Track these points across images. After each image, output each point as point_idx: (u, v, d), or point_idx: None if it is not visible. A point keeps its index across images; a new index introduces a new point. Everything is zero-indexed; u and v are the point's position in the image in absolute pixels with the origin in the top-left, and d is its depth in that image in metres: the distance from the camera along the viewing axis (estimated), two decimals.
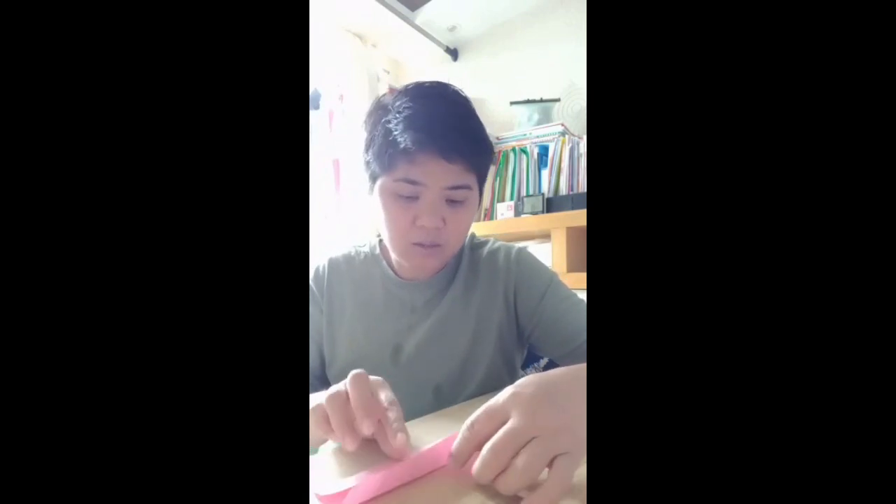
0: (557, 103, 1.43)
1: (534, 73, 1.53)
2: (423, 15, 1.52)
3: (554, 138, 1.29)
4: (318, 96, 1.49)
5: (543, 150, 1.31)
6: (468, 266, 0.63)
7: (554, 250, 1.15)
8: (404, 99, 0.51)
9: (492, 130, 1.42)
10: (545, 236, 1.21)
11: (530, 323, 0.59)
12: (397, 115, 0.50)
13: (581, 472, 0.30)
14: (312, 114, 1.47)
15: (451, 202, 0.52)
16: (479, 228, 1.29)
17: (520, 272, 0.61)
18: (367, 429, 0.32)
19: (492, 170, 1.37)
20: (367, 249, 0.66)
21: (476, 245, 0.66)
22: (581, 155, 1.23)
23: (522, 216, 1.24)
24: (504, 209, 1.31)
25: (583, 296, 0.60)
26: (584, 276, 1.09)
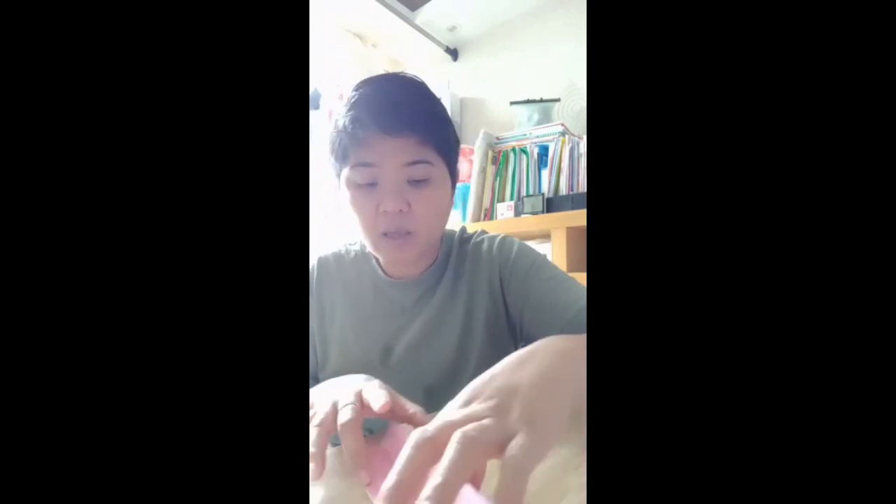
0: (557, 103, 1.43)
1: (534, 73, 1.53)
2: (423, 15, 1.53)
3: (554, 138, 1.29)
4: (318, 96, 1.49)
5: (543, 150, 1.31)
6: (457, 262, 0.61)
7: (554, 250, 1.15)
8: (353, 92, 0.51)
9: (492, 130, 1.42)
10: (545, 236, 1.21)
11: (517, 308, 0.56)
12: (345, 107, 0.50)
13: (581, 473, 0.30)
14: (312, 114, 1.47)
15: (414, 182, 0.50)
16: (479, 228, 1.29)
17: (502, 258, 0.58)
18: (364, 478, 0.30)
19: (492, 170, 1.37)
20: (357, 248, 0.64)
21: (465, 240, 0.64)
22: (581, 155, 1.23)
23: (522, 216, 1.24)
24: (504, 209, 1.31)
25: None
26: (584, 276, 1.09)
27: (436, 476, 0.19)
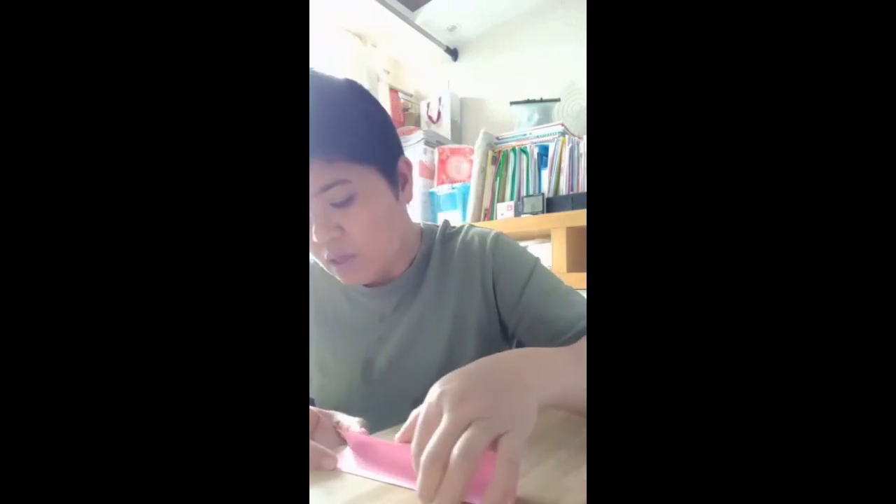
0: (557, 103, 1.43)
1: (534, 73, 1.53)
2: (423, 15, 1.52)
3: (554, 138, 1.29)
4: None
5: (543, 150, 1.31)
6: (440, 261, 0.56)
7: (554, 250, 1.15)
8: None
9: (492, 130, 1.42)
10: (545, 236, 1.21)
11: (512, 318, 0.53)
12: None
13: (581, 473, 0.30)
14: None
15: (338, 206, 0.44)
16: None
17: (497, 261, 0.54)
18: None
19: (492, 170, 1.37)
20: None
21: (448, 236, 0.59)
22: (581, 155, 1.23)
23: (522, 216, 1.24)
24: (504, 209, 1.31)
25: (582, 294, 0.57)
26: (584, 276, 1.09)
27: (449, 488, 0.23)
